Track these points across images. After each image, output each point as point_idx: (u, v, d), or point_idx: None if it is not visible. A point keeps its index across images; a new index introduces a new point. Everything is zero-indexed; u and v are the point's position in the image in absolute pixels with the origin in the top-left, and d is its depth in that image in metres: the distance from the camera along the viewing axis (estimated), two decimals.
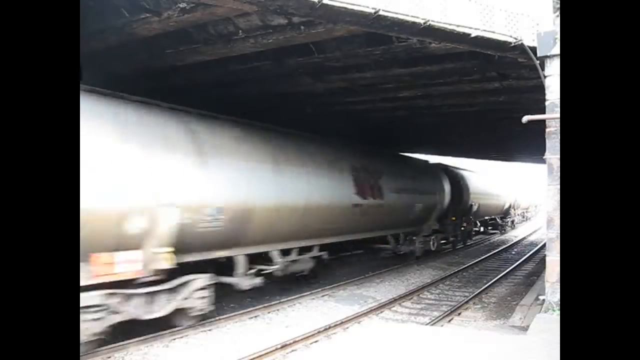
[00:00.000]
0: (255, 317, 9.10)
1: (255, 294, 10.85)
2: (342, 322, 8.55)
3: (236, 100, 11.34)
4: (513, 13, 6.87)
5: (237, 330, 8.32)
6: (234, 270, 8.69)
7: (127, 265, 6.72)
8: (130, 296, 6.89)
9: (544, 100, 6.87)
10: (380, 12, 5.88)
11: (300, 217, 9.89)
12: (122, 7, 6.80)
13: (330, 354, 5.85)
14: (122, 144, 6.62)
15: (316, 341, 7.77)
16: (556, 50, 6.61)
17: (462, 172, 21.33)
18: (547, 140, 6.78)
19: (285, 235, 9.82)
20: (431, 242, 17.04)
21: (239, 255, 8.75)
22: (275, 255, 9.65)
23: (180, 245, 7.20)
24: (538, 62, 6.95)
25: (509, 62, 8.06)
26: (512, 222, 32.69)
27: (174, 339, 7.60)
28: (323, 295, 10.93)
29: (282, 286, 11.46)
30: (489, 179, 25.94)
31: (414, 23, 6.23)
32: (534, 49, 6.90)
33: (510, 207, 30.54)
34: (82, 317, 6.22)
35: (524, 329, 7.06)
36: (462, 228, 20.90)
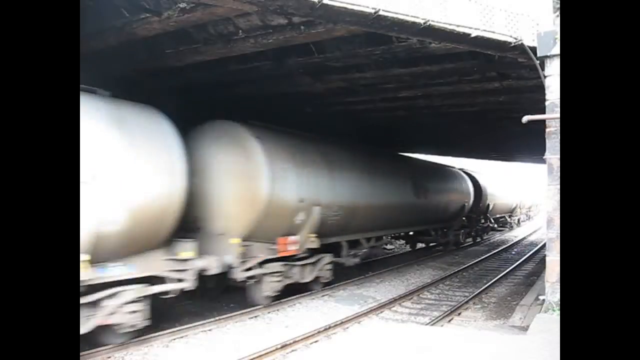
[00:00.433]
0: (255, 317, 9.10)
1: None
2: (342, 322, 8.56)
3: (236, 100, 11.34)
4: (513, 13, 6.87)
5: (237, 330, 8.32)
6: (341, 252, 12.03)
7: (293, 245, 9.82)
8: (292, 266, 10.08)
9: (544, 100, 6.87)
10: (380, 12, 5.87)
11: (381, 213, 13.40)
12: (122, 7, 6.79)
13: (330, 354, 5.85)
14: (300, 167, 10.08)
15: (316, 341, 7.77)
16: (556, 50, 6.61)
17: (480, 175, 24.32)
18: (547, 140, 6.78)
19: (371, 226, 13.26)
20: (460, 235, 21.12)
21: (344, 240, 12.07)
22: (364, 242, 13.04)
23: (319, 232, 10.37)
24: (538, 62, 6.95)
25: (509, 62, 8.06)
26: (518, 220, 35.88)
27: (174, 339, 7.60)
28: (323, 295, 10.93)
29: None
30: (500, 181, 28.84)
31: (414, 23, 6.23)
32: (534, 49, 6.89)
33: (517, 206, 33.68)
34: (270, 279, 9.48)
35: (524, 329, 7.06)
36: (481, 224, 24.55)
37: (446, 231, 19.62)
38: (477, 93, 10.83)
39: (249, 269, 9.01)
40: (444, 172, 19.94)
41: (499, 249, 21.70)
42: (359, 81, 10.18)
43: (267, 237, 9.34)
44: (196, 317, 8.82)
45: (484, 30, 6.69)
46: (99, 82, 6.95)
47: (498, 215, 28.88)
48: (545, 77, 6.88)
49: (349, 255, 12.27)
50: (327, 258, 11.13)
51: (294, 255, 9.98)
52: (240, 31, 7.37)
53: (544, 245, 9.85)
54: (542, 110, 6.90)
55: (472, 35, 6.67)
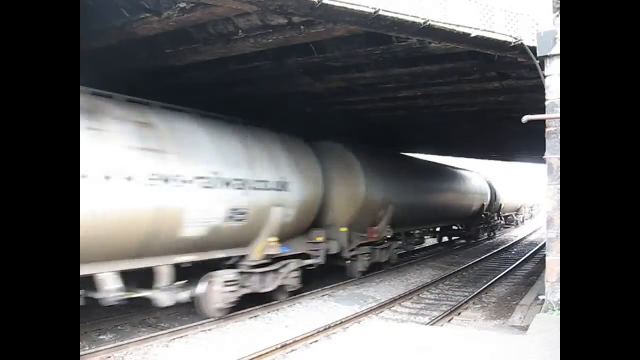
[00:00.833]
0: (255, 317, 9.10)
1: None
2: (342, 322, 8.55)
3: (236, 100, 11.33)
4: (513, 13, 6.87)
5: (237, 330, 8.32)
6: (402, 240, 16.19)
7: (376, 234, 13.19)
8: (375, 250, 13.51)
9: (544, 100, 6.87)
10: (380, 12, 5.87)
11: (430, 211, 17.33)
12: (122, 7, 6.79)
13: (330, 354, 5.85)
14: (384, 176, 13.63)
15: (316, 341, 7.77)
16: (556, 50, 6.61)
17: (493, 178, 27.80)
18: (547, 140, 6.78)
19: (421, 221, 17.68)
20: (480, 231, 25.09)
21: (403, 232, 16.17)
22: (415, 232, 18.47)
23: (391, 225, 13.85)
24: (538, 62, 6.94)
25: (509, 62, 8.06)
26: (523, 218, 39.87)
27: (174, 339, 7.60)
28: (323, 295, 10.93)
29: None
30: (508, 183, 32.13)
31: (414, 23, 6.22)
32: (534, 49, 6.89)
33: (522, 206, 37.84)
34: (363, 258, 12.82)
35: (524, 329, 7.06)
36: (495, 221, 28.16)
37: (469, 226, 23.80)
38: (477, 93, 10.83)
39: (352, 250, 12.36)
40: (471, 178, 23.32)
41: (499, 249, 21.70)
42: (359, 81, 10.18)
43: (361, 228, 12.67)
44: (196, 317, 8.82)
45: (484, 30, 6.69)
46: (99, 82, 6.96)
47: (507, 214, 32.77)
48: (545, 77, 6.88)
49: (408, 243, 17.61)
50: (395, 244, 14.97)
51: (376, 242, 13.37)
52: (240, 31, 7.37)
53: (544, 245, 9.85)
54: (542, 110, 6.90)
55: (472, 35, 6.67)
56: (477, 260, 17.26)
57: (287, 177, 9.50)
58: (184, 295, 7.85)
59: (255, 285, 9.16)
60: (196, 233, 7.63)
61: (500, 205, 28.55)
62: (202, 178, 7.62)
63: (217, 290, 8.31)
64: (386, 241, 13.99)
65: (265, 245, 9.06)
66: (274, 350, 6.98)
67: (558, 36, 6.53)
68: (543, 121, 6.84)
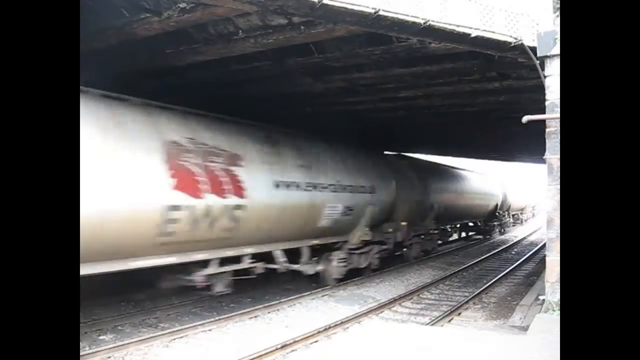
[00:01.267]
0: (255, 317, 9.10)
1: (256, 294, 10.87)
2: (342, 322, 8.55)
3: (236, 100, 11.33)
4: (513, 13, 6.86)
5: (237, 330, 8.32)
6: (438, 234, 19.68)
7: (424, 227, 17.02)
8: (425, 239, 17.22)
9: (544, 100, 6.87)
10: (380, 12, 5.87)
11: (460, 210, 21.40)
12: (122, 7, 6.78)
13: (330, 354, 5.86)
14: (432, 182, 17.77)
15: (316, 341, 7.77)
16: (556, 50, 6.61)
17: (503, 180, 30.67)
18: (547, 140, 6.77)
19: (453, 219, 21.93)
20: (494, 227, 28.20)
21: (440, 227, 19.78)
22: (448, 228, 22.50)
23: (435, 220, 17.95)
24: (538, 62, 6.94)
25: (509, 62, 8.06)
26: (527, 217, 42.49)
27: (174, 339, 7.60)
28: (323, 295, 10.93)
29: (283, 286, 11.49)
30: (515, 184, 34.54)
31: (414, 23, 6.22)
32: (534, 49, 6.89)
33: (526, 205, 40.67)
34: (416, 246, 16.57)
35: (524, 329, 7.06)
36: (505, 219, 31.02)
37: (485, 223, 27.36)
38: (477, 93, 10.82)
39: (410, 239, 15.90)
40: (488, 180, 26.98)
41: (499, 249, 21.71)
42: (359, 81, 10.17)
43: (414, 222, 15.95)
44: (196, 317, 8.83)
45: (484, 30, 6.69)
46: (99, 82, 6.96)
47: (514, 213, 35.71)
48: (545, 77, 6.87)
49: (444, 235, 21.68)
50: (437, 236, 19.14)
51: (424, 233, 17.18)
52: (240, 31, 7.36)
53: (544, 245, 9.85)
54: (542, 110, 6.90)
55: (472, 35, 6.67)
56: (477, 260, 17.26)
57: (374, 183, 12.87)
58: (318, 268, 11.24)
59: (355, 262, 12.49)
60: (326, 224, 10.99)
61: (509, 205, 31.82)
62: (332, 185, 10.97)
63: (334, 265, 11.71)
64: (431, 232, 18.11)
65: (362, 233, 12.27)
66: (273, 350, 6.98)
67: (558, 36, 6.53)
68: (543, 121, 6.83)
